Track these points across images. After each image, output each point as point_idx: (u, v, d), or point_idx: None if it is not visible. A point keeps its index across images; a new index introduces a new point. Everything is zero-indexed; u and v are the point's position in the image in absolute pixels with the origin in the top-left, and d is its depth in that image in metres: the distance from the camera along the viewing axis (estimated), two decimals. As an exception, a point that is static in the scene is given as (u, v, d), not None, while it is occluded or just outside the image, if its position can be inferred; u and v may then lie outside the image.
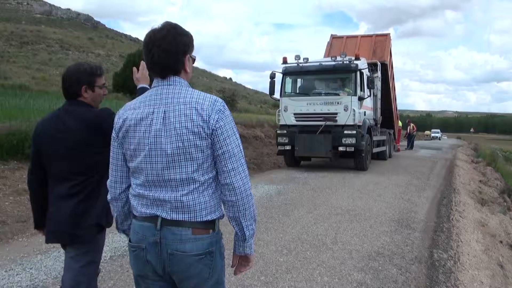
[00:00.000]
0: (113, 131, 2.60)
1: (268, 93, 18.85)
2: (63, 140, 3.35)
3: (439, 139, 77.94)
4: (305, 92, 18.20)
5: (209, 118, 2.40)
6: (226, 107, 2.54)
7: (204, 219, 2.46)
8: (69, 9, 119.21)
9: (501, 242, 9.08)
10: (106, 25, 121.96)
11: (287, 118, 17.47)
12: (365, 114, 18.14)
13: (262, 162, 18.51)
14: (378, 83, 21.11)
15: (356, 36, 24.25)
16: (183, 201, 2.43)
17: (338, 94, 17.28)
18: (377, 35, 23.69)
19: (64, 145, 3.36)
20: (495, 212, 11.92)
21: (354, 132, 16.62)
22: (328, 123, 16.71)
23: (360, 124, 17.26)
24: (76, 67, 3.58)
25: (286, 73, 18.29)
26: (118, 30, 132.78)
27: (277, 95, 18.36)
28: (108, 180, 2.70)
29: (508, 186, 18.42)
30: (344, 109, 16.74)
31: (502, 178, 21.13)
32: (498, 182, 19.04)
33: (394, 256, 6.85)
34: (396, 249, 7.24)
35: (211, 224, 2.51)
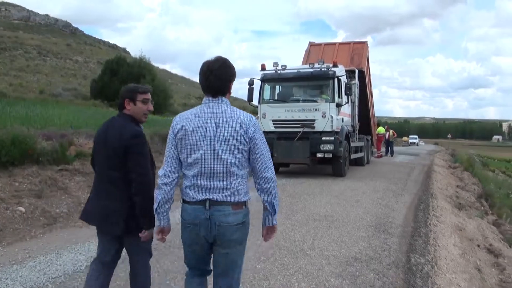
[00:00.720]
0: (171, 134, 3.58)
1: (246, 99, 18.84)
2: (104, 146, 4.23)
3: (417, 145, 78.50)
4: (283, 99, 18.18)
5: (248, 129, 3.47)
6: (257, 122, 3.59)
7: (241, 200, 3.53)
8: (47, 15, 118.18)
9: (478, 246, 9.15)
10: (84, 32, 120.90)
11: (266, 125, 17.45)
12: (343, 121, 18.17)
13: (241, 168, 18.51)
14: (355, 90, 21.18)
15: (334, 44, 24.33)
16: (227, 188, 3.46)
17: (316, 101, 17.31)
18: (355, 43, 23.81)
19: (104, 151, 4.23)
20: (472, 217, 12.02)
21: (332, 138, 16.65)
22: (306, 129, 16.74)
23: (338, 130, 17.28)
24: (125, 85, 4.57)
25: (264, 80, 18.30)
26: (97, 37, 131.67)
27: (255, 101, 18.35)
28: (164, 170, 3.61)
29: (485, 191, 18.59)
30: (322, 116, 16.78)
31: (479, 182, 21.33)
32: (475, 187, 19.22)
33: (372, 261, 6.88)
34: (373, 254, 7.27)
35: (244, 203, 3.57)
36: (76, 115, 19.69)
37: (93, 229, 8.29)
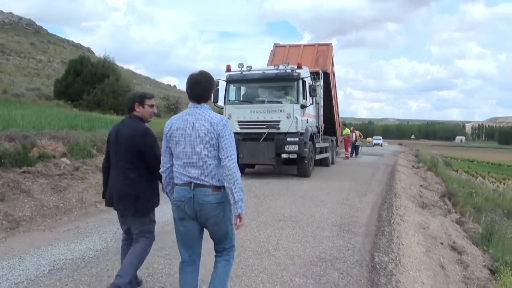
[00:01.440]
0: (164, 133, 4.57)
1: (212, 100, 18.76)
2: (119, 143, 5.30)
3: (381, 145, 79.15)
4: (248, 100, 18.16)
5: (217, 127, 4.34)
6: (228, 122, 4.50)
7: (219, 184, 4.38)
8: (11, 13, 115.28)
9: (442, 243, 9.28)
10: (48, 30, 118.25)
11: (231, 126, 17.18)
12: (307, 122, 18.25)
13: (206, 170, 18.36)
14: (320, 92, 21.28)
15: (299, 45, 24.39)
16: (206, 174, 4.35)
17: (280, 102, 17.33)
18: (319, 45, 23.92)
19: (119, 147, 5.30)
20: (436, 215, 12.17)
21: (297, 139, 16.70)
22: (271, 130, 16.75)
23: (303, 131, 17.34)
24: (134, 91, 5.97)
25: (229, 81, 18.24)
26: (61, 36, 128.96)
27: (221, 103, 18.28)
28: (161, 161, 4.70)
29: (448, 190, 18.86)
30: (287, 117, 16.83)
31: (443, 182, 21.67)
32: (439, 186, 19.51)
33: (336, 261, 6.93)
34: (337, 253, 7.32)
35: (222, 187, 4.39)
36: (39, 116, 19.38)
37: (55, 233, 8.21)
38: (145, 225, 5.35)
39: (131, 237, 5.46)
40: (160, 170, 4.73)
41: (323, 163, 22.94)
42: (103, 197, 5.66)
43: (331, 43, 24.15)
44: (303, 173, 17.76)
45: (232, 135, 4.46)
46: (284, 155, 16.93)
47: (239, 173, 4.37)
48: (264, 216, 10.06)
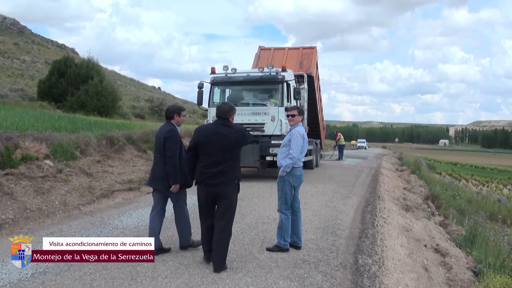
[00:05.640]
0: (304, 139, 8.15)
1: (196, 103, 18.74)
2: (156, 139, 7.72)
3: (365, 148, 79.61)
4: (233, 102, 18.05)
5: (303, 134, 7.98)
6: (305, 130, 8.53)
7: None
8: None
9: (425, 246, 9.32)
10: (32, 30, 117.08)
11: (216, 128, 17.26)
12: (292, 124, 18.24)
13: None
14: (304, 95, 21.31)
15: (283, 48, 24.51)
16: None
17: (265, 105, 17.33)
18: (304, 48, 24.01)
19: (156, 141, 7.75)
20: (419, 218, 12.21)
21: (281, 142, 16.66)
22: (256, 133, 16.72)
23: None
24: (173, 105, 8.38)
25: (214, 83, 18.16)
26: (45, 36, 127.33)
27: (205, 105, 18.26)
28: (296, 153, 7.99)
29: (431, 193, 18.94)
30: (271, 120, 16.86)
31: (426, 185, 21.72)
32: (422, 189, 19.55)
33: (320, 263, 6.94)
34: (321, 256, 7.34)
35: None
36: (23, 117, 19.20)
37: (38, 236, 8.15)
38: (179, 195, 7.60)
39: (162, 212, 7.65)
40: (299, 158, 8.14)
41: (307, 165, 22.94)
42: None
43: (316, 47, 24.23)
44: (287, 176, 17.73)
45: (299, 136, 8.14)
46: (268, 158, 16.92)
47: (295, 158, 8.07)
48: (248, 218, 10.04)
